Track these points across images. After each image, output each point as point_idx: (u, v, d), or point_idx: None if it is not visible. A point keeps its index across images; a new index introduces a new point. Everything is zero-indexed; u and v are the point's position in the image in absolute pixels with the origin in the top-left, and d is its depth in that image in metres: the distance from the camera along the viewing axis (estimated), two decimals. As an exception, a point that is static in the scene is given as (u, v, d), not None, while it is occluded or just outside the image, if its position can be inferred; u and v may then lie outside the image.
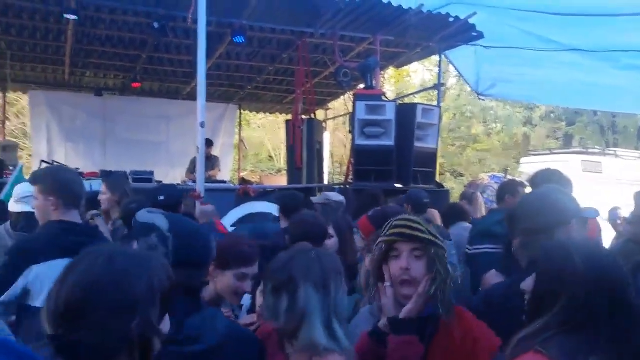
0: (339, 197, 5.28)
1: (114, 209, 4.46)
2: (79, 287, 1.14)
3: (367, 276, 2.34)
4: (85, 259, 1.20)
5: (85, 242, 2.50)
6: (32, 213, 3.67)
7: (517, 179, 10.46)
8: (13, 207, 3.90)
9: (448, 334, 1.93)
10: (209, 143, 9.86)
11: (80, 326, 1.11)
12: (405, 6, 7.28)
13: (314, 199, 5.48)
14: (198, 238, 1.83)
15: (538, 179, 3.41)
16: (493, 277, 3.10)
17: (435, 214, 5.52)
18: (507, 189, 4.66)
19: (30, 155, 14.66)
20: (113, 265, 1.18)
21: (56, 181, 2.79)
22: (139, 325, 1.15)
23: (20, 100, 16.95)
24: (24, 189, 3.91)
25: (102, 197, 4.55)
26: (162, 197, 4.01)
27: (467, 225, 5.05)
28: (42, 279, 2.49)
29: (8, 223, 3.90)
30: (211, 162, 10.14)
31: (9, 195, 4.46)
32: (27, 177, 7.54)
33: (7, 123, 15.20)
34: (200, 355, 1.72)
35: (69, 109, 11.92)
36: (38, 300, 2.51)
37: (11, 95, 14.03)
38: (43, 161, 9.41)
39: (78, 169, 9.40)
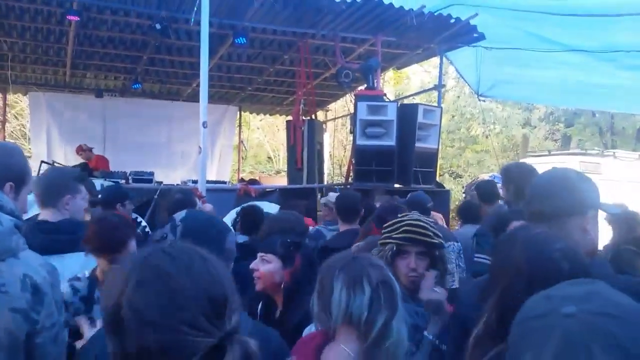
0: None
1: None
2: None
3: None
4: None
5: (58, 239, 2.60)
6: None
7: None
8: None
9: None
10: None
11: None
12: (406, 7, 7.30)
13: (321, 200, 5.53)
14: (205, 231, 1.78)
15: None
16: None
17: (438, 217, 5.44)
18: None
19: (29, 157, 14.66)
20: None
21: (37, 179, 2.80)
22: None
23: (19, 101, 16.96)
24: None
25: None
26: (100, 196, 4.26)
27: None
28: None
29: None
30: None
31: None
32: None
33: (7, 124, 15.21)
34: None
35: (68, 111, 11.94)
36: None
37: (11, 97, 14.03)
38: (43, 162, 9.43)
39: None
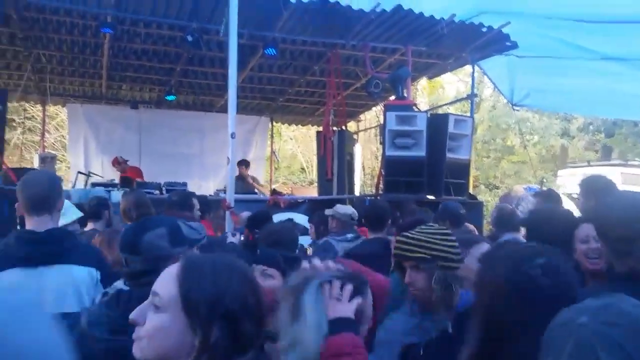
0: (347, 210, 5.36)
1: None
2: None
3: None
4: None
5: (42, 251, 2.45)
6: None
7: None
8: None
9: None
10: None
11: None
12: (436, 16, 7.24)
13: (327, 211, 5.54)
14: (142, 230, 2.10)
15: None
16: None
17: (471, 229, 5.31)
18: None
19: (68, 167, 15.03)
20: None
21: (18, 184, 2.60)
22: None
23: (59, 113, 17.41)
24: None
25: None
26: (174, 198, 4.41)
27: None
28: None
29: None
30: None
31: None
32: (65, 188, 7.75)
33: (47, 135, 15.65)
34: None
35: (105, 122, 12.18)
36: None
37: (51, 108, 14.43)
38: (80, 172, 9.65)
39: (113, 180, 9.64)
